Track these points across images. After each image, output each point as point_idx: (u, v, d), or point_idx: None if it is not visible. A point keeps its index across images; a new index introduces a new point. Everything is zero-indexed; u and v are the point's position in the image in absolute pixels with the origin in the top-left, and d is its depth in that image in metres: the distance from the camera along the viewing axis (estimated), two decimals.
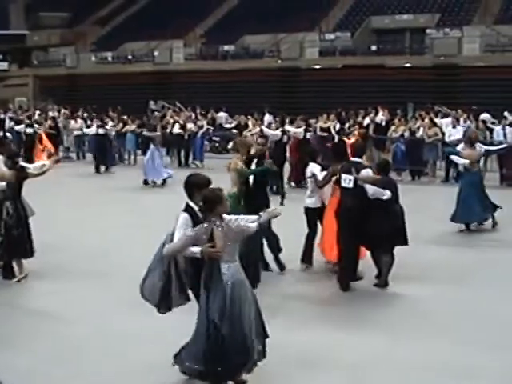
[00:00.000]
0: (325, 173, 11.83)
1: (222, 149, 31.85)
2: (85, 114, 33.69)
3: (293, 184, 22.04)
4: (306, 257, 12.15)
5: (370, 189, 10.92)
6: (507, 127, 23.81)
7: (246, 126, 30.33)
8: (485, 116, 26.09)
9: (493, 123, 25.47)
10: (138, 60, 48.07)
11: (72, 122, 32.11)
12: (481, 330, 9.26)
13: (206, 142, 30.55)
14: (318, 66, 42.75)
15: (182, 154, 28.56)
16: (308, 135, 22.84)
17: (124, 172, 26.83)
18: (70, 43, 53.14)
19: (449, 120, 25.57)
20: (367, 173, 10.97)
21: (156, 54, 47.06)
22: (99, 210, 17.90)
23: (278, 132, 22.70)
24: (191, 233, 7.25)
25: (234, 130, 32.08)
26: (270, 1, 47.64)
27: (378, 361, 8.32)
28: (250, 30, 45.02)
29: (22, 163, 11.56)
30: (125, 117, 30.40)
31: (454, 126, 24.01)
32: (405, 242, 11.25)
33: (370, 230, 10.98)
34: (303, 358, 8.28)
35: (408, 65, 40.48)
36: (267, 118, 30.95)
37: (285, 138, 22.53)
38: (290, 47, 43.14)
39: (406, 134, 24.92)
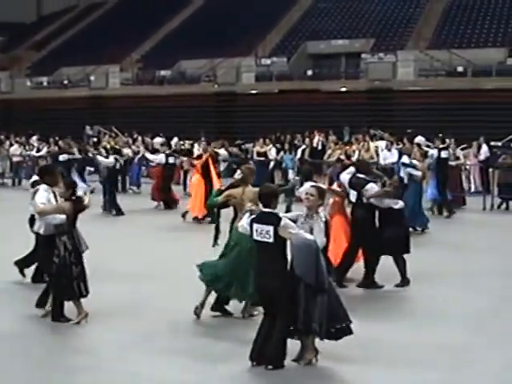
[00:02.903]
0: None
1: None
2: (18, 139, 33.31)
3: (157, 203, 22.72)
4: None
5: (386, 200, 12.27)
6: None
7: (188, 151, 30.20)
8: (419, 139, 26.36)
9: (427, 146, 25.75)
10: (73, 85, 47.59)
11: (12, 148, 31.77)
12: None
13: (142, 168, 30.36)
14: (254, 91, 42.88)
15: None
16: (171, 160, 23.03)
17: None
18: (4, 68, 52.50)
19: (384, 143, 25.85)
20: (372, 187, 12.23)
21: (92, 78, 46.68)
22: None
23: (161, 156, 23.33)
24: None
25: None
26: (206, 25, 47.73)
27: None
28: (187, 55, 45.02)
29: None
30: (60, 142, 30.12)
31: (389, 150, 24.24)
32: (407, 250, 12.45)
33: (385, 236, 12.23)
34: None
35: (343, 89, 40.85)
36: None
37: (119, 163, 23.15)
38: (226, 72, 43.21)
39: (342, 158, 25.04)
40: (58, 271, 10.12)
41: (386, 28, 45.80)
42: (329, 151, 26.04)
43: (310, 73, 42.40)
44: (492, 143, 27.98)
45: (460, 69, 38.89)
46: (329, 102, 38.93)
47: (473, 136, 27.68)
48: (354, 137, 29.08)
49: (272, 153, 26.86)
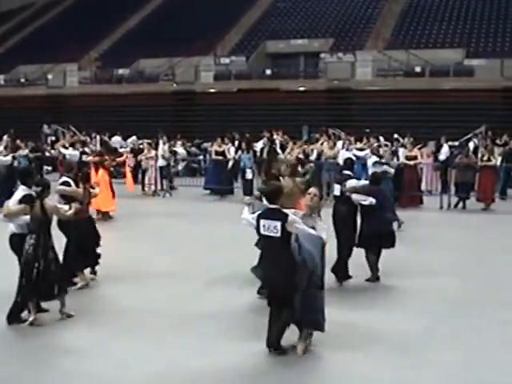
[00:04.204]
0: None
1: (116, 173, 31.47)
2: None
3: None
4: None
5: (354, 196, 12.41)
6: (399, 149, 24.25)
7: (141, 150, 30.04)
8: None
9: (385, 145, 25.90)
10: (31, 83, 47.16)
11: None
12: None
13: None
14: (213, 90, 42.85)
15: None
16: (84, 157, 22.77)
17: None
18: None
19: (341, 143, 25.98)
20: (350, 183, 12.55)
21: (50, 77, 46.29)
22: None
23: (76, 152, 23.41)
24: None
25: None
26: (165, 24, 47.59)
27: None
28: (145, 54, 44.83)
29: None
30: (18, 141, 29.76)
31: (346, 149, 24.30)
32: (392, 245, 12.71)
33: (360, 231, 12.55)
34: None
35: (302, 88, 40.97)
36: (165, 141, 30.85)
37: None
38: (185, 71, 43.11)
39: (301, 157, 25.04)
40: (22, 269, 9.96)
41: (344, 28, 46.02)
42: (287, 150, 26.03)
43: (268, 72, 42.48)
44: (449, 143, 28.17)
45: (418, 69, 39.23)
46: (287, 102, 39.01)
47: (430, 136, 27.85)
48: (314, 136, 29.12)
49: (231, 152, 26.79)
